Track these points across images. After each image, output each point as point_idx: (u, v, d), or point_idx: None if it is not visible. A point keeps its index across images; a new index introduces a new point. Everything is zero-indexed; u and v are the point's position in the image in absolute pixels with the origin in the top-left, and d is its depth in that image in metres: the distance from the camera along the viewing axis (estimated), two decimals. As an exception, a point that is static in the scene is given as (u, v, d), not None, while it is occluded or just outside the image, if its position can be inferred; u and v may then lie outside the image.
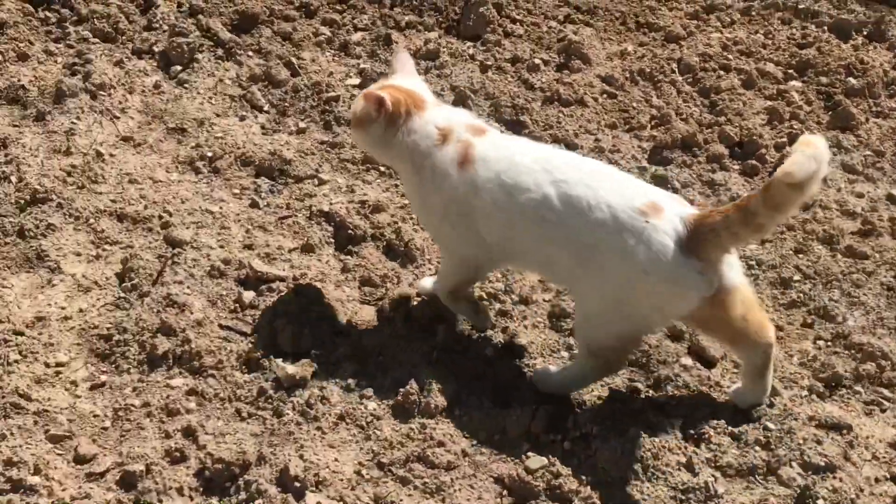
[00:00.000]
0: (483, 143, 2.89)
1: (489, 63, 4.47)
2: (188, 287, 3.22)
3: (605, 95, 4.41)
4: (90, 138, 3.85)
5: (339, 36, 4.54)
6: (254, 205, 3.64)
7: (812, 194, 2.54)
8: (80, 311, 3.14)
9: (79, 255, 3.36)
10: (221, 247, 3.42)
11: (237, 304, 3.20)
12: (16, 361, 2.94)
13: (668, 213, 2.66)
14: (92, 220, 3.47)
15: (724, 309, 2.72)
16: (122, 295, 3.19)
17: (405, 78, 3.09)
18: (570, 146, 4.02)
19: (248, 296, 3.21)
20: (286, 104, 4.17)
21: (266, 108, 4.15)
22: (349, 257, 3.45)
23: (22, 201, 3.51)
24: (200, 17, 4.50)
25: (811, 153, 2.44)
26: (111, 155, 3.80)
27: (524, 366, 3.10)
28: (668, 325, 3.16)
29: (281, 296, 3.21)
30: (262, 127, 4.05)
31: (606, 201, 2.67)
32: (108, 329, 3.07)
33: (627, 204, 2.66)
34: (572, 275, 2.80)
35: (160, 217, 3.53)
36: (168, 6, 4.56)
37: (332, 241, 3.51)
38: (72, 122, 3.92)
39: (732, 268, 2.72)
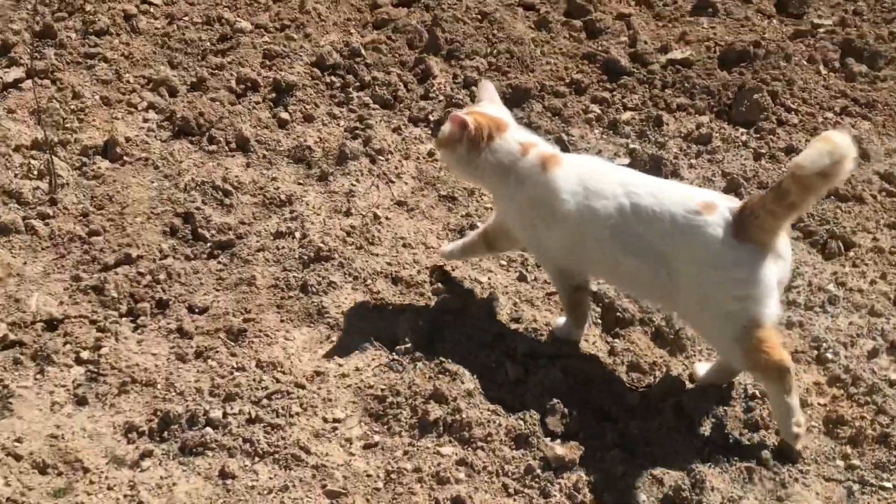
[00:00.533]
0: (566, 157, 3.21)
1: (763, 151, 4.37)
2: (459, 356, 3.26)
3: (883, 193, 4.21)
4: (368, 200, 4.00)
5: (609, 114, 4.55)
6: (521, 278, 3.67)
7: (839, 180, 2.72)
8: (357, 369, 3.23)
9: (354, 314, 3.47)
10: (490, 318, 3.45)
11: (506, 378, 3.21)
12: (297, 414, 3.05)
13: (720, 208, 2.88)
14: (369, 281, 3.58)
15: None
16: (396, 357, 3.27)
17: (490, 105, 3.36)
18: (848, 244, 3.86)
19: (517, 371, 3.22)
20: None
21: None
22: (616, 340, 3.41)
23: (305, 258, 3.66)
24: (474, 88, 4.62)
25: (827, 149, 2.63)
26: (387, 218, 3.93)
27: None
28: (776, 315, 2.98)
29: (549, 373, 3.20)
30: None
31: (667, 207, 2.93)
32: (382, 390, 3.14)
33: (684, 207, 2.91)
34: (652, 283, 3.02)
35: (431, 283, 3.61)
36: (444, 77, 4.70)
37: (600, 321, 3.49)
38: (352, 184, 4.09)
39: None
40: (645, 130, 4.47)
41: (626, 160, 4.24)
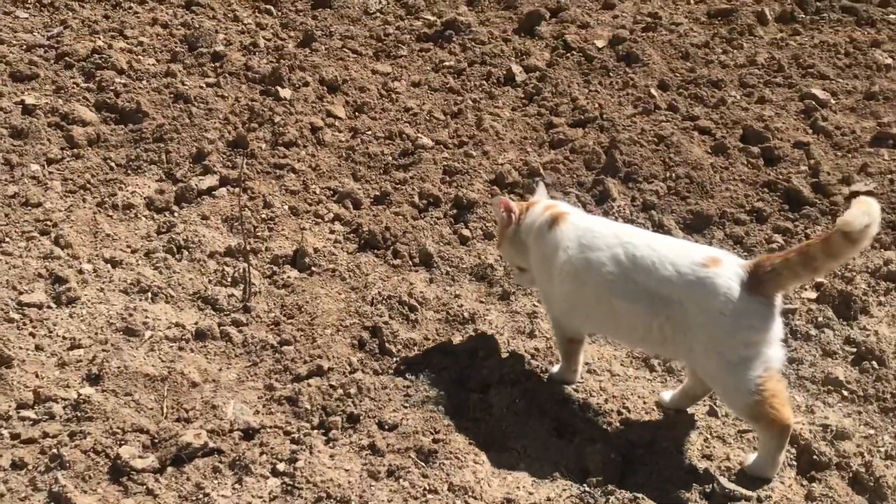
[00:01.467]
0: (574, 214, 3.54)
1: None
2: (650, 491, 3.22)
3: None
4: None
5: (792, 244, 4.50)
6: (711, 412, 3.61)
7: (864, 246, 2.90)
8: (548, 499, 3.21)
9: (540, 441, 3.46)
10: (680, 453, 3.40)
11: (701, 518, 3.15)
12: (490, 542, 3.04)
13: (727, 263, 3.10)
14: (556, 407, 3.58)
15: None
16: (588, 490, 3.24)
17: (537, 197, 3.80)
18: None
19: (713, 511, 3.15)
20: (739, 310, 4.15)
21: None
22: (813, 484, 3.31)
23: (491, 381, 3.68)
24: (653, 212, 4.63)
25: (864, 209, 2.82)
26: (570, 342, 3.93)
27: None
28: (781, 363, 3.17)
29: (746, 516, 3.13)
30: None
31: (669, 257, 3.16)
32: (574, 523, 3.11)
33: (687, 260, 3.13)
34: (645, 328, 3.23)
35: (619, 412, 3.58)
36: (623, 199, 4.73)
37: (794, 463, 3.40)
38: (534, 305, 4.12)
39: None
40: (830, 263, 4.39)
41: (814, 294, 4.16)
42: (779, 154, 5.03)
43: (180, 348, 3.86)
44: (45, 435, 3.42)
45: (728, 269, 3.10)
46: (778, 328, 3.11)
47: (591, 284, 3.34)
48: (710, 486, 3.22)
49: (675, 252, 3.21)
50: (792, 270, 3.01)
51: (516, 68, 5.76)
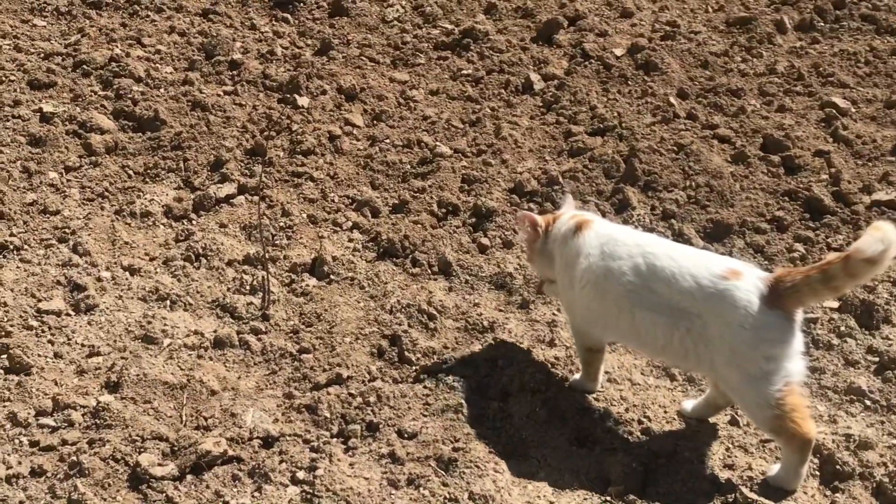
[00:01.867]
0: (598, 222, 3.55)
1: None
2: (671, 500, 3.19)
3: None
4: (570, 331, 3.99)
5: (813, 254, 4.47)
6: (733, 422, 3.58)
7: (884, 268, 2.94)
8: (568, 508, 3.19)
9: (560, 450, 3.44)
10: (702, 462, 3.38)
11: (724, 528, 3.12)
12: (511, 551, 3.01)
13: (748, 275, 3.09)
14: (577, 417, 3.56)
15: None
16: (609, 499, 3.21)
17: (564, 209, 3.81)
18: None
19: (737, 522, 3.12)
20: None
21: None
22: (837, 495, 3.28)
23: (510, 388, 3.66)
24: (673, 221, 4.61)
25: (879, 236, 2.85)
26: (590, 351, 3.91)
27: None
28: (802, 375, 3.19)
29: (769, 527, 3.10)
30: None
31: (689, 269, 3.16)
32: (596, 533, 3.08)
33: (707, 272, 3.13)
34: (665, 339, 3.23)
35: (640, 421, 3.56)
36: (643, 208, 4.70)
37: (818, 473, 3.36)
38: (553, 314, 4.10)
39: None
40: (851, 272, 4.35)
41: (836, 304, 4.13)
42: (799, 163, 5.00)
43: (199, 356, 3.86)
44: (65, 442, 3.41)
45: (748, 282, 3.09)
46: (798, 342, 3.11)
47: (612, 293, 3.34)
48: (733, 496, 3.20)
49: (695, 263, 3.20)
50: (812, 287, 3.02)
51: (534, 77, 5.75)
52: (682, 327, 3.20)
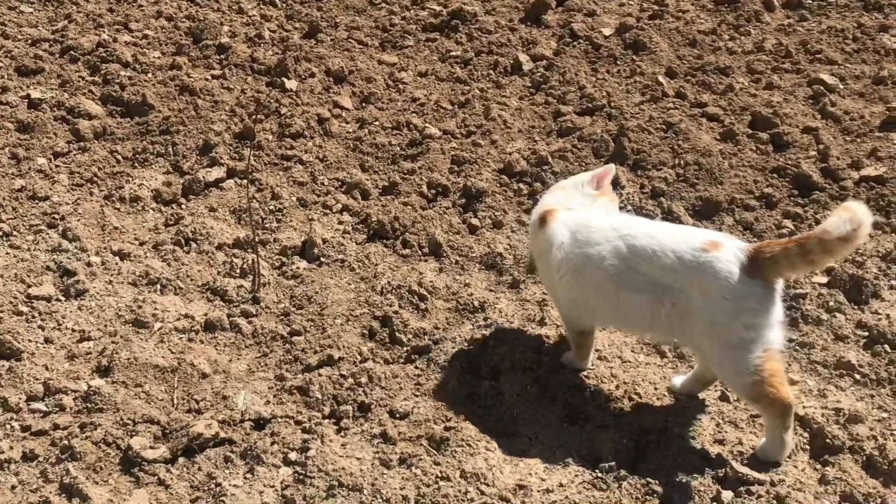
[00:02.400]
0: (561, 211, 3.50)
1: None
2: (662, 476, 3.20)
3: None
4: (561, 311, 4.00)
5: (802, 229, 4.47)
6: (723, 398, 3.60)
7: (857, 246, 3.04)
8: (560, 485, 3.20)
9: (551, 427, 3.45)
10: (692, 438, 3.39)
11: (715, 503, 3.13)
12: (503, 528, 3.03)
13: (727, 246, 3.12)
14: (568, 395, 3.57)
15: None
16: (600, 475, 3.23)
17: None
18: None
19: (727, 496, 3.14)
20: (749, 296, 4.13)
21: (728, 298, 4.14)
22: (827, 468, 3.29)
23: (501, 367, 3.67)
24: (663, 199, 4.61)
25: (847, 216, 2.91)
26: (581, 329, 3.92)
27: None
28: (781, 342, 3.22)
29: (760, 501, 3.11)
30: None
31: (669, 245, 3.17)
32: (588, 509, 3.10)
33: (687, 246, 3.14)
34: (652, 317, 3.25)
35: (630, 398, 3.57)
36: (632, 187, 4.71)
37: (808, 447, 3.38)
38: (544, 293, 4.10)
39: None
40: (840, 248, 4.36)
41: (825, 279, 4.14)
42: (788, 140, 5.00)
43: (190, 340, 3.86)
44: (56, 427, 3.42)
45: (728, 253, 3.12)
46: (778, 311, 3.15)
47: (593, 279, 3.36)
48: (723, 470, 3.21)
49: (675, 239, 3.22)
50: (789, 260, 3.05)
51: (523, 57, 5.74)
52: (666, 303, 3.22)
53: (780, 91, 5.40)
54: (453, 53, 5.89)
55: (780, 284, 3.15)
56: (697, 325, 3.18)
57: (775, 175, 4.78)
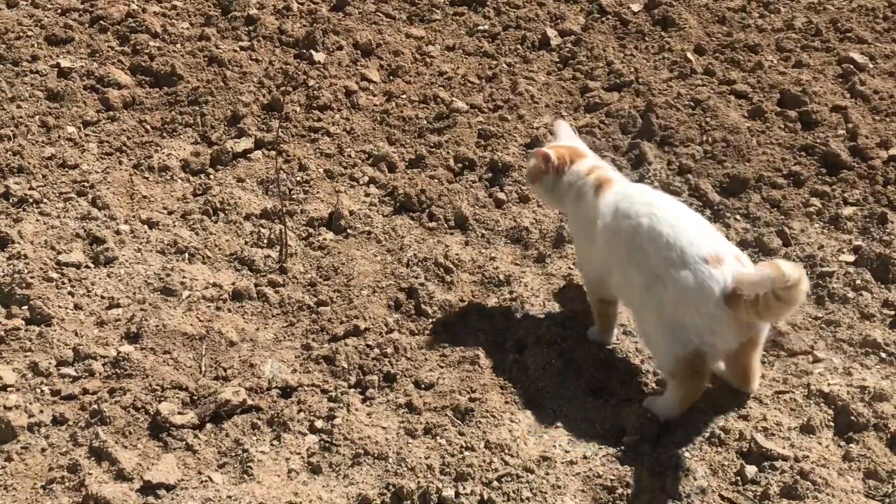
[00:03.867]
0: (618, 182, 3.57)
1: None
2: (688, 451, 3.22)
3: None
4: (587, 286, 4.01)
5: (830, 209, 4.46)
6: (748, 374, 3.59)
7: (794, 308, 3.09)
8: (584, 457, 3.22)
9: (576, 401, 3.47)
10: (717, 413, 3.40)
11: (738, 477, 3.14)
12: (527, 499, 3.06)
13: (726, 267, 3.14)
14: (593, 369, 3.58)
15: (746, 352, 3.32)
16: (623, 449, 3.24)
17: (566, 140, 3.85)
18: None
19: (751, 470, 3.15)
20: (777, 273, 4.12)
21: (755, 275, 4.13)
22: (851, 445, 3.29)
23: (526, 340, 3.69)
24: (690, 176, 4.61)
25: (770, 274, 2.97)
26: (606, 304, 3.93)
27: None
28: (717, 359, 3.36)
29: (783, 476, 3.12)
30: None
31: (681, 243, 3.19)
32: (611, 481, 3.12)
33: (696, 250, 3.17)
34: (640, 298, 3.30)
35: (655, 373, 3.58)
36: (659, 163, 4.70)
37: (832, 424, 3.38)
38: (569, 268, 4.12)
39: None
40: (868, 227, 4.35)
41: (851, 257, 4.13)
42: (816, 118, 4.97)
43: (217, 308, 3.89)
44: (85, 391, 3.46)
45: (721, 274, 3.14)
46: (735, 339, 3.24)
47: (618, 249, 3.41)
48: (747, 445, 3.22)
49: (690, 238, 3.23)
50: (755, 308, 3.07)
51: (551, 32, 5.72)
52: (652, 290, 3.26)
53: (810, 69, 5.37)
54: (481, 28, 5.88)
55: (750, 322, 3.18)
56: (661, 303, 3.23)
57: (803, 153, 4.76)
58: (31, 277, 3.89)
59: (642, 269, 3.28)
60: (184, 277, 4.00)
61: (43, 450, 3.25)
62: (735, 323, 3.15)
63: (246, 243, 4.27)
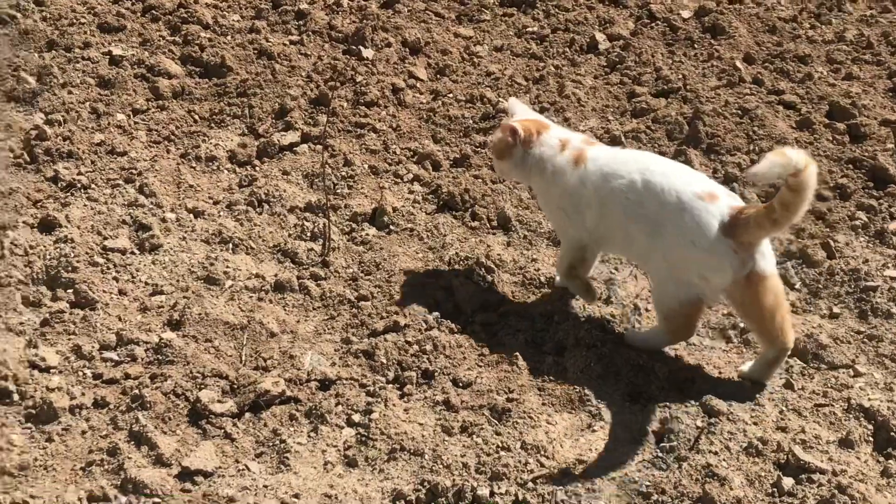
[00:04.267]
0: (593, 149, 3.70)
1: None
2: (725, 460, 3.20)
3: None
4: (627, 290, 4.00)
5: (875, 223, 4.42)
6: (788, 385, 3.58)
7: (808, 193, 3.10)
8: (621, 463, 3.21)
9: (614, 405, 3.47)
10: (755, 423, 3.38)
11: (775, 489, 3.12)
12: (562, 501, 3.05)
13: (721, 202, 3.33)
14: (631, 373, 3.58)
15: (756, 294, 3.37)
16: (661, 455, 3.24)
17: (525, 113, 3.95)
18: None
19: (787, 482, 3.13)
20: (819, 285, 4.10)
21: (797, 286, 4.11)
22: (890, 461, 3.27)
23: (565, 343, 3.69)
24: (735, 184, 4.58)
25: (775, 161, 3.06)
26: (646, 309, 3.92)
27: None
28: (717, 300, 3.63)
29: (821, 489, 3.10)
30: (792, 305, 4.00)
31: (675, 186, 3.38)
32: (647, 487, 3.11)
33: (690, 189, 3.36)
34: (646, 249, 3.50)
35: (693, 381, 3.57)
36: (705, 171, 4.67)
37: (871, 439, 3.35)
38: (611, 272, 4.12)
39: (765, 258, 3.37)
40: (914, 243, 4.32)
41: (894, 272, 4.09)
42: (865, 131, 4.94)
43: (259, 299, 3.92)
44: (127, 376, 3.50)
45: (717, 208, 3.33)
46: (732, 274, 3.35)
47: (613, 211, 3.57)
48: (785, 457, 3.20)
49: (683, 181, 3.43)
50: (757, 222, 3.24)
51: (600, 36, 5.71)
52: (657, 237, 3.45)
53: (860, 82, 5.33)
54: (529, 29, 5.89)
55: (765, 250, 3.37)
56: (664, 249, 3.44)
57: (850, 166, 4.73)
58: (78, 261, 3.94)
59: (642, 221, 3.47)
60: (227, 267, 4.04)
61: (83, 432, 3.29)
62: (735, 255, 3.30)
63: (289, 236, 4.30)
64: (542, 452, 3.24)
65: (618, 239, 3.65)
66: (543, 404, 3.47)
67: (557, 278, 3.97)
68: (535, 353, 3.70)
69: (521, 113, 3.95)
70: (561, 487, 3.11)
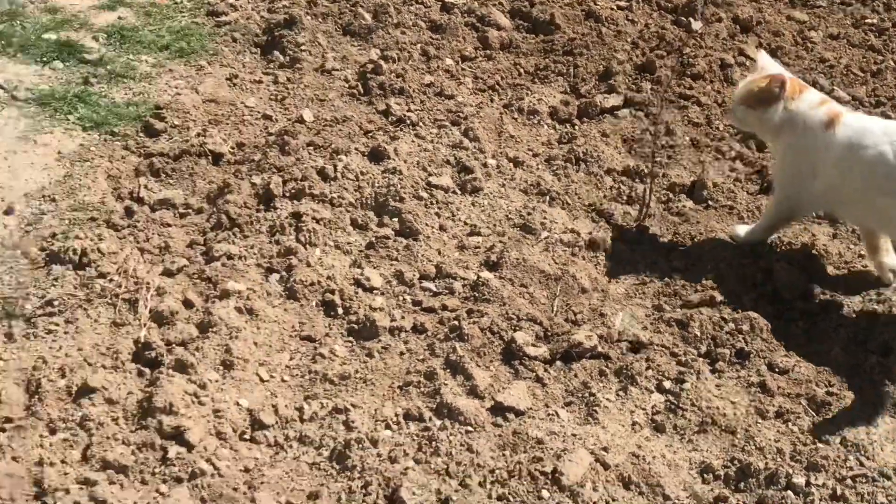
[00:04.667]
0: (847, 115, 3.64)
1: None
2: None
3: None
4: None
5: None
6: None
7: None
8: None
9: None
10: None
11: None
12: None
13: None
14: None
15: None
16: None
17: (776, 68, 3.83)
18: None
19: None
20: None
21: None
22: None
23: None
24: None
25: None
26: None
27: None
28: None
29: None
30: None
31: None
32: None
33: None
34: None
35: None
36: None
37: None
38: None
39: None
40: None
41: None
42: None
43: (573, 254, 3.92)
44: (445, 307, 3.58)
45: None
46: None
47: (856, 181, 3.56)
48: None
49: None
50: None
51: (947, 34, 5.35)
52: None
53: None
54: (868, 21, 5.59)
55: None
56: None
57: None
58: (404, 192, 4.06)
59: (888, 192, 3.46)
60: (544, 218, 4.05)
61: (402, 353, 3.39)
62: None
63: (605, 197, 4.28)
64: (863, 451, 3.09)
65: (859, 208, 3.65)
66: (864, 403, 3.30)
67: (741, 233, 3.95)
68: (857, 351, 3.52)
69: (770, 67, 3.83)
70: (882, 490, 2.95)
